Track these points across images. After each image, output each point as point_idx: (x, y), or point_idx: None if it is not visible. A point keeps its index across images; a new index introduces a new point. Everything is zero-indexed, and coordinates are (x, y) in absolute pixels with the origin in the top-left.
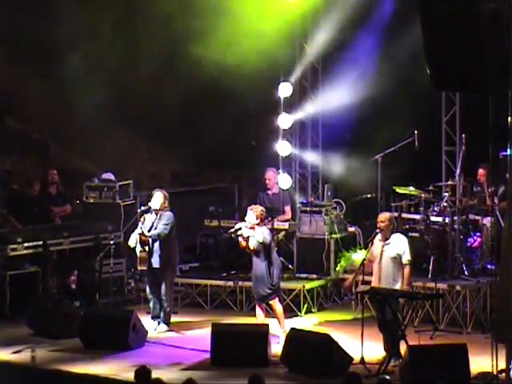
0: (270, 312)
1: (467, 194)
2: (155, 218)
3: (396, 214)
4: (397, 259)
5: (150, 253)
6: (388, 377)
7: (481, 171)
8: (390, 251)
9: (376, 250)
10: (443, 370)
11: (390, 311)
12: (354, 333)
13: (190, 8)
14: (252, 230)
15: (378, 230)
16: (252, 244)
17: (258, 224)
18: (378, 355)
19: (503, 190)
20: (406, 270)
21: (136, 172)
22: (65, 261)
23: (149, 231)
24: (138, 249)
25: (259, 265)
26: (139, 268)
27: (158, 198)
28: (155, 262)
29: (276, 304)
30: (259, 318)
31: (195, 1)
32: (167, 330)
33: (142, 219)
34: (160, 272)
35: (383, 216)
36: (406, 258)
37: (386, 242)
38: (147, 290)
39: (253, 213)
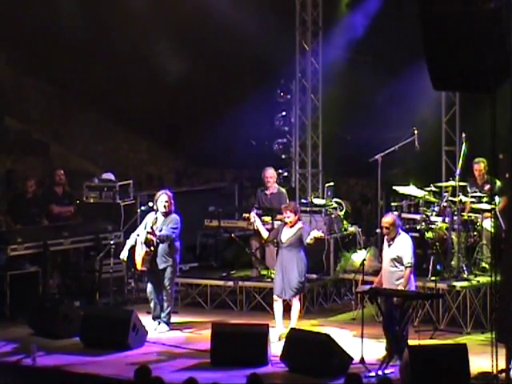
0: (268, 311)
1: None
2: (162, 219)
3: (396, 214)
4: (397, 260)
5: (155, 254)
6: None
7: (476, 166)
8: (392, 252)
9: (383, 251)
10: (443, 370)
11: (395, 310)
12: (354, 333)
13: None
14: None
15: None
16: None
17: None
18: (378, 355)
19: (499, 186)
20: (406, 272)
21: (136, 172)
22: (65, 261)
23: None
24: (143, 249)
25: (289, 260)
26: (140, 268)
27: (164, 200)
28: (160, 262)
29: (296, 301)
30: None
31: None
32: (167, 330)
33: (154, 220)
34: (163, 273)
35: (386, 221)
36: (407, 260)
37: (390, 243)
38: (148, 289)
39: (287, 209)
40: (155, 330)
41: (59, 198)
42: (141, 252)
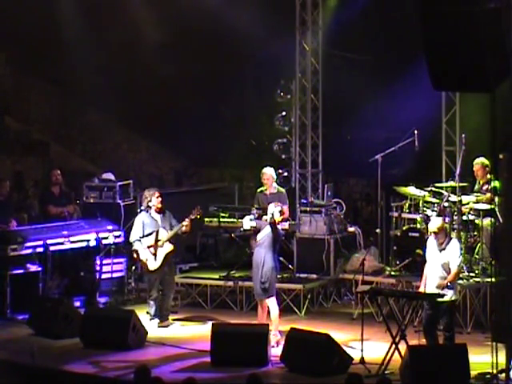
0: (268, 311)
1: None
2: (158, 216)
3: (396, 214)
4: (446, 265)
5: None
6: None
7: (476, 167)
8: (444, 257)
9: (429, 254)
10: (443, 369)
11: (446, 317)
12: (353, 333)
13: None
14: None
15: (430, 235)
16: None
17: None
18: (378, 355)
19: (494, 186)
20: (454, 270)
21: (136, 172)
22: (65, 261)
23: (151, 233)
24: (167, 247)
25: (258, 258)
26: (153, 268)
27: (158, 196)
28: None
29: (273, 305)
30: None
31: None
32: (166, 326)
33: (189, 220)
34: (171, 270)
35: (435, 226)
36: (456, 263)
37: (441, 248)
38: (156, 288)
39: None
40: (157, 326)
41: (56, 199)
42: (160, 251)
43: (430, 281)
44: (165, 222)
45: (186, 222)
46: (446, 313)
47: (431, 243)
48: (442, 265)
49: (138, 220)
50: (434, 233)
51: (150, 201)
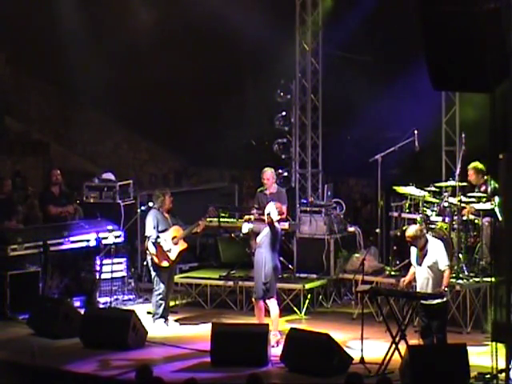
0: (269, 311)
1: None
2: (167, 216)
3: (396, 214)
4: (434, 267)
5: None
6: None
7: (470, 172)
8: (427, 260)
9: (413, 259)
10: (443, 370)
11: (438, 319)
12: (354, 333)
13: None
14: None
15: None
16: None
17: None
18: (378, 355)
19: (493, 187)
20: (446, 272)
21: (136, 172)
22: (65, 261)
23: (164, 230)
24: (182, 245)
25: (258, 260)
26: (168, 264)
27: (170, 196)
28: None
29: (274, 305)
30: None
31: None
32: (166, 325)
33: (204, 220)
34: (173, 268)
35: (407, 235)
36: (444, 263)
37: (423, 253)
38: (165, 286)
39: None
40: (167, 325)
41: (56, 199)
42: (174, 248)
43: (420, 284)
44: (175, 221)
45: (202, 222)
46: (437, 315)
47: (414, 249)
48: (428, 267)
49: (151, 216)
50: (409, 241)
51: (163, 200)
